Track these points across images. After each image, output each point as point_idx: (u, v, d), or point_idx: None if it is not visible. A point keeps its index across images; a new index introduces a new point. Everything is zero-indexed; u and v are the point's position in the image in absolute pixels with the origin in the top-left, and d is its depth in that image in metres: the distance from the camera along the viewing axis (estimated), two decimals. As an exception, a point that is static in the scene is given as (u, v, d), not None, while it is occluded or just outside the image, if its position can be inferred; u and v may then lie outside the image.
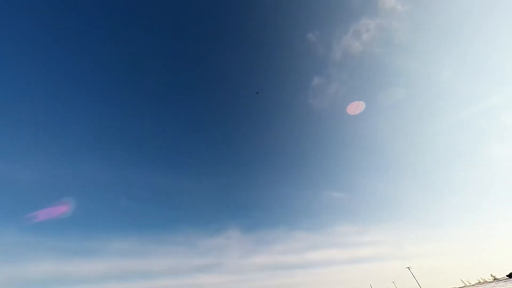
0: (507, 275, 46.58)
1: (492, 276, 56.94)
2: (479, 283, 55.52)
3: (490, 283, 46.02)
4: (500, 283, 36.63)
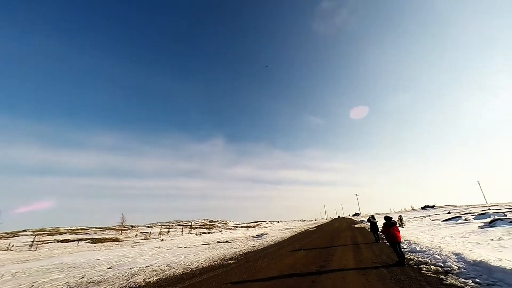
0: (421, 207, 64.63)
1: (411, 207, 75.74)
2: (400, 211, 72.92)
3: (407, 212, 60.09)
4: (414, 212, 50.09)
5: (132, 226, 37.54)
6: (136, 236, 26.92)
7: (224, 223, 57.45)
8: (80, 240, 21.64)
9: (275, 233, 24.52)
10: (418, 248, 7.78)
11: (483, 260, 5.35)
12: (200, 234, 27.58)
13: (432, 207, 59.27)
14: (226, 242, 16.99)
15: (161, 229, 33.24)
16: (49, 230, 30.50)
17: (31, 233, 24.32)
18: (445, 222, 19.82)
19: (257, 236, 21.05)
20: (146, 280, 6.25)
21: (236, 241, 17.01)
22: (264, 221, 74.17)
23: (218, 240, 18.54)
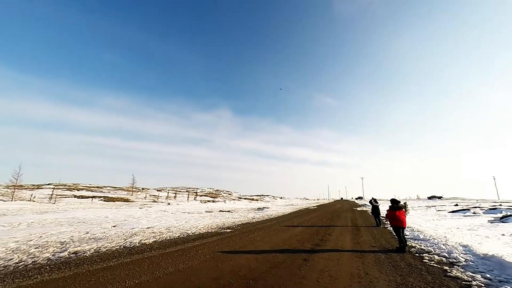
0: (427, 197, 62.44)
1: (417, 196, 73.10)
2: (405, 199, 70.38)
3: (412, 200, 58.69)
4: (419, 201, 49.75)
5: (142, 188, 40.31)
6: (145, 198, 28.96)
7: (228, 194, 60.46)
8: (94, 197, 23.56)
9: (277, 208, 25.33)
10: (421, 236, 7.41)
11: (495, 255, 4.87)
12: (205, 202, 29.13)
13: (439, 198, 58.36)
14: (228, 211, 17.71)
15: (168, 194, 35.50)
16: (69, 186, 33.46)
17: (53, 187, 26.69)
18: (451, 213, 19.26)
19: (259, 209, 21.82)
20: (142, 241, 6.44)
21: (238, 212, 17.68)
22: (267, 195, 77.27)
23: (220, 209, 19.39)
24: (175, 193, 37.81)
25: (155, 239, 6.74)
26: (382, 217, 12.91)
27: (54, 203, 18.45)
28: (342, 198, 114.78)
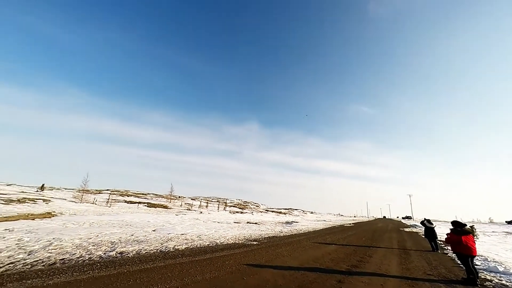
0: (506, 221, 42.63)
1: (489, 219, 56.75)
2: (472, 221, 50.79)
3: (482, 224, 42.37)
4: (494, 226, 33.85)
5: (179, 197, 43.59)
6: (181, 205, 31.14)
7: (256, 206, 60.03)
8: (140, 203, 26.54)
9: (307, 222, 23.79)
10: (500, 269, 5.81)
11: None
12: (234, 213, 29.52)
13: (523, 222, 45.19)
14: (255, 223, 17.48)
15: (200, 203, 37.35)
16: (121, 192, 38.74)
17: (110, 192, 31.33)
18: (545, 242, 14.51)
19: (287, 222, 20.87)
20: (176, 247, 6.84)
21: (265, 224, 17.27)
22: (296, 209, 73.69)
23: (248, 221, 19.30)
24: (207, 203, 39.59)
25: (187, 246, 7.08)
26: (440, 241, 10.73)
27: (110, 207, 21.51)
28: (385, 217, 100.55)
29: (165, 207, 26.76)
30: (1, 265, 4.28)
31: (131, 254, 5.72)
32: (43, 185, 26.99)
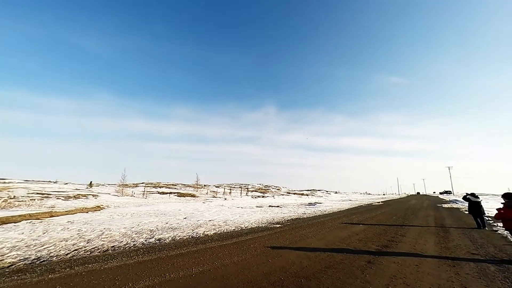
0: None
1: None
2: None
3: None
4: None
5: (204, 185, 46.46)
6: (206, 193, 33.24)
7: (277, 189, 60.98)
8: (171, 193, 29.01)
9: (331, 203, 23.53)
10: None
11: None
12: (256, 197, 30.52)
13: None
14: (277, 206, 17.87)
15: (224, 190, 39.31)
16: (154, 184, 42.77)
17: (144, 185, 34.74)
18: None
19: (310, 204, 20.89)
20: (205, 233, 7.35)
21: (287, 207, 17.55)
22: (319, 190, 73.04)
23: (270, 204, 19.81)
24: (230, 189, 41.48)
25: (215, 231, 7.58)
26: (488, 217, 9.68)
27: (146, 198, 23.98)
28: (418, 193, 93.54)
29: (193, 195, 28.80)
30: (69, 252, 5.10)
31: (168, 240, 6.32)
32: (91, 182, 30.93)
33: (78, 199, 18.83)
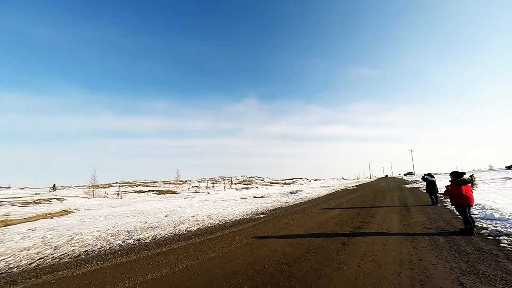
0: (506, 166, 46.96)
1: (489, 166, 59.41)
2: (472, 171, 55.51)
3: (482, 172, 46.21)
4: (493, 173, 36.95)
5: (186, 181, 45.19)
6: (188, 189, 32.44)
7: (261, 180, 62.31)
8: (149, 191, 27.67)
9: (311, 190, 24.90)
10: (496, 215, 6.15)
11: None
12: (240, 190, 30.81)
13: (523, 166, 46.78)
14: (261, 197, 18.32)
15: (207, 184, 38.84)
16: (130, 183, 40.18)
17: (119, 184, 32.45)
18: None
19: (292, 192, 21.84)
20: (188, 229, 7.23)
21: (270, 197, 18.10)
22: (300, 178, 76.48)
23: (254, 195, 20.20)
24: (213, 183, 41.10)
25: (198, 227, 7.49)
26: (440, 194, 11.22)
27: (121, 198, 22.47)
28: (387, 175, 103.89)
29: (174, 192, 27.86)
30: (33, 261, 4.58)
31: (148, 240, 6.07)
32: (54, 185, 27.81)
33: (39, 204, 16.81)
